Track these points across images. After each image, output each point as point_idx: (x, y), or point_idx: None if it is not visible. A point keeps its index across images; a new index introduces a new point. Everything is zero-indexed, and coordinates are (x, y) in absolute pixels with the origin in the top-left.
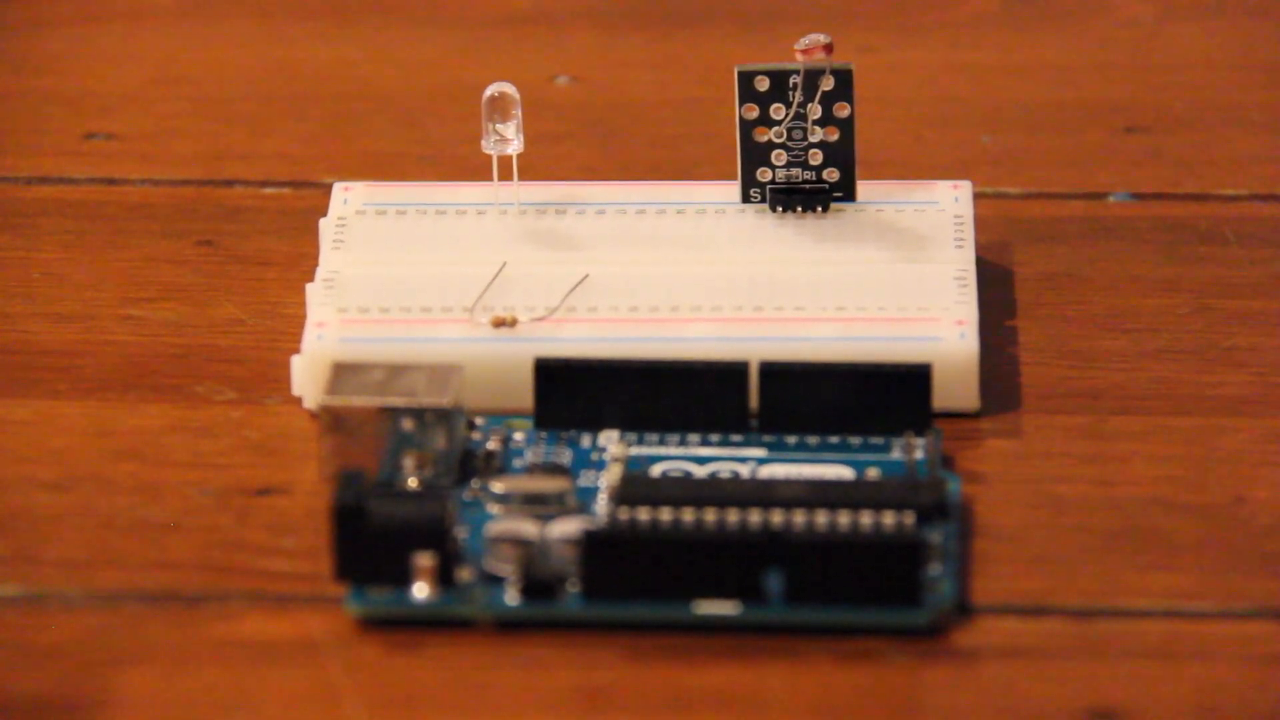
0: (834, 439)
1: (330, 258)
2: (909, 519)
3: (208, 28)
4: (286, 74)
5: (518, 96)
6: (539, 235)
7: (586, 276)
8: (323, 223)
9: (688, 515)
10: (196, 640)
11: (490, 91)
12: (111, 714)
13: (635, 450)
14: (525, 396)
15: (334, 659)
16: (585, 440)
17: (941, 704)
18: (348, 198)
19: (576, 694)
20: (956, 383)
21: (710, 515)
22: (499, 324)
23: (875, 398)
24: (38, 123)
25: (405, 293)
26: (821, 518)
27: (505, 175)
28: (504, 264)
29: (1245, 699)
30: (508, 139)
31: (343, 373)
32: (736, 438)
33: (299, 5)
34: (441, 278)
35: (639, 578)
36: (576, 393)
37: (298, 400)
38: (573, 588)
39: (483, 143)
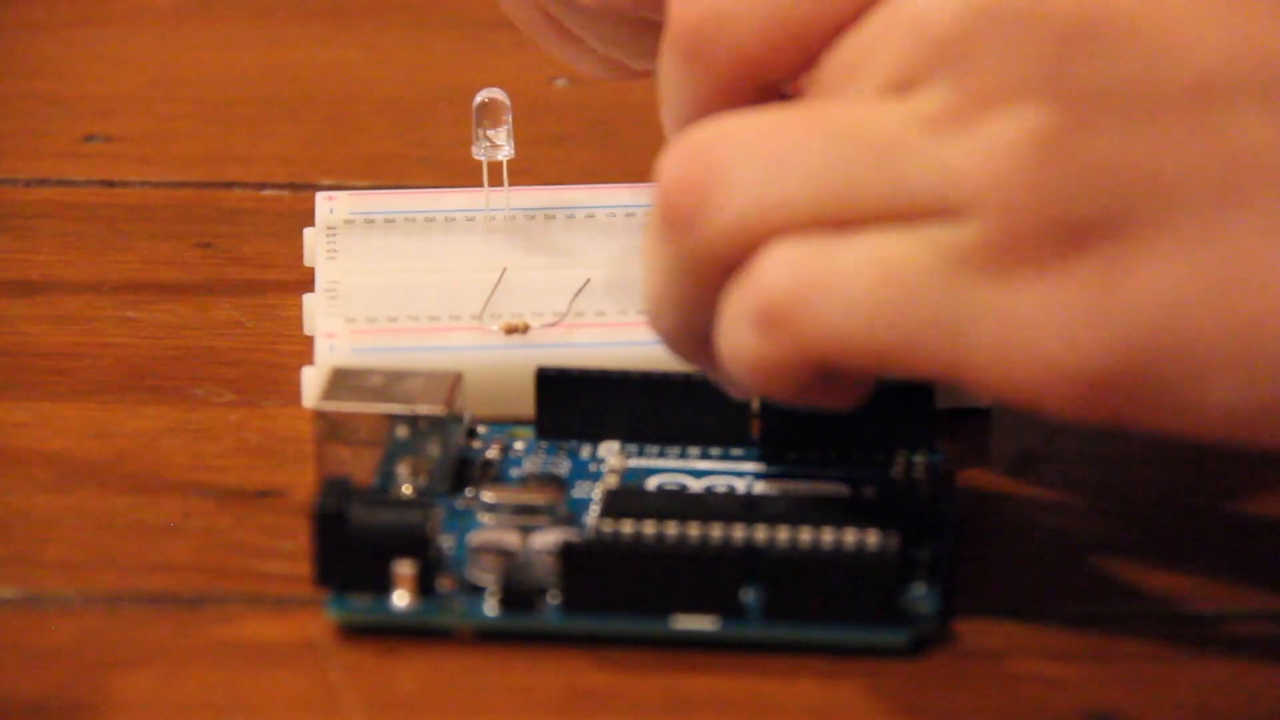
0: (834, 454)
1: (326, 268)
2: (893, 538)
3: (206, 30)
4: (285, 76)
5: (508, 103)
6: (532, 240)
7: (589, 281)
8: (309, 233)
9: (671, 529)
10: (195, 642)
11: (480, 98)
12: (110, 716)
13: (634, 462)
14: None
15: (334, 662)
16: (585, 451)
17: (940, 706)
18: (333, 207)
19: (568, 697)
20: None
21: (694, 530)
22: (511, 331)
23: (878, 413)
24: (36, 125)
25: (410, 301)
26: (805, 534)
27: (495, 180)
28: (504, 270)
29: (1245, 700)
30: (498, 145)
31: (340, 378)
32: (737, 451)
33: (297, 8)
34: (443, 285)
35: (618, 591)
36: (578, 403)
37: (296, 402)
38: (553, 599)
39: (473, 149)
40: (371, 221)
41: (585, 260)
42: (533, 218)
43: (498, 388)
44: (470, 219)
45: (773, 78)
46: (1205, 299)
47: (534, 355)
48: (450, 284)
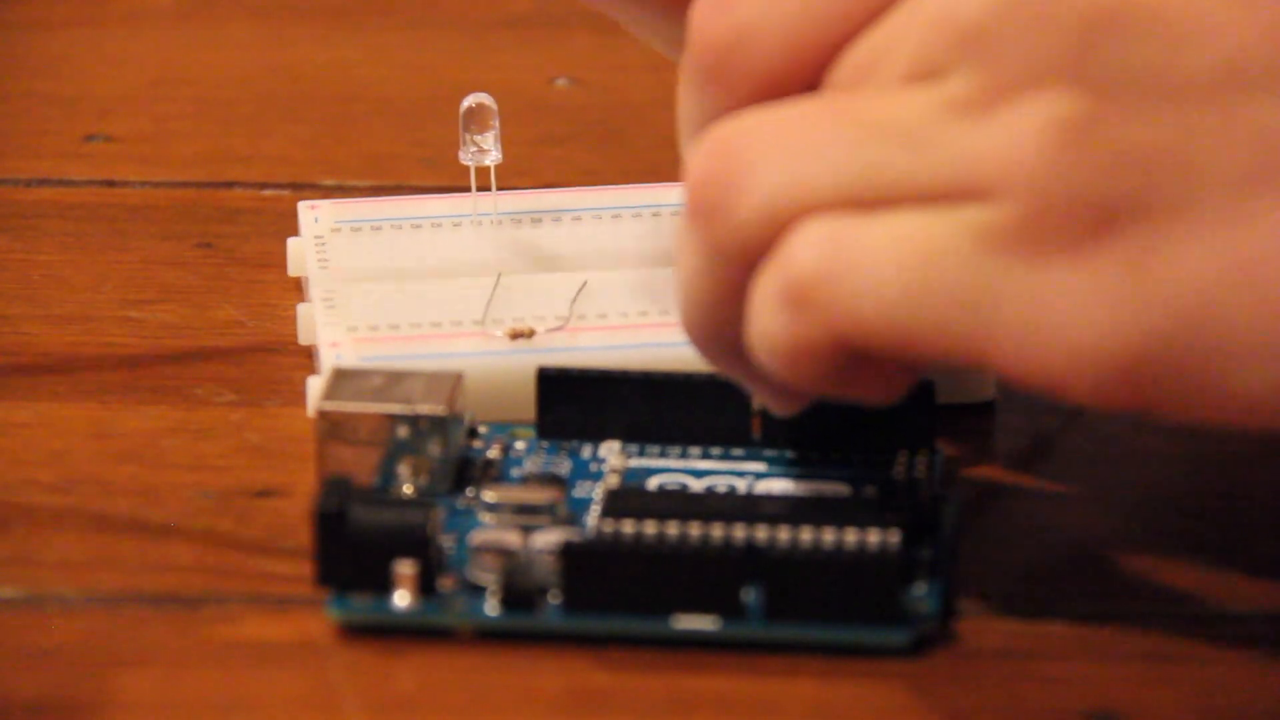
0: (835, 454)
1: (320, 277)
2: (894, 537)
3: (207, 30)
4: (286, 76)
5: (495, 108)
6: (522, 244)
7: (586, 283)
8: (293, 242)
9: (672, 529)
10: (195, 642)
11: (468, 103)
12: (110, 716)
13: (635, 462)
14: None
15: (334, 662)
16: (586, 451)
17: (941, 706)
18: (317, 215)
19: (569, 697)
20: (971, 372)
21: (694, 529)
22: (516, 336)
23: (879, 412)
24: (37, 125)
25: (409, 308)
26: (806, 534)
27: (484, 184)
28: (500, 275)
29: (1245, 699)
30: (485, 150)
31: (341, 378)
32: (738, 451)
33: (298, 7)
34: (439, 291)
35: (619, 591)
36: (579, 403)
37: (297, 402)
38: (554, 599)
39: (460, 154)
40: (358, 229)
41: (576, 263)
42: (519, 222)
43: (505, 393)
44: (456, 224)
45: (793, 90)
46: (1232, 283)
47: (541, 360)
48: (446, 290)
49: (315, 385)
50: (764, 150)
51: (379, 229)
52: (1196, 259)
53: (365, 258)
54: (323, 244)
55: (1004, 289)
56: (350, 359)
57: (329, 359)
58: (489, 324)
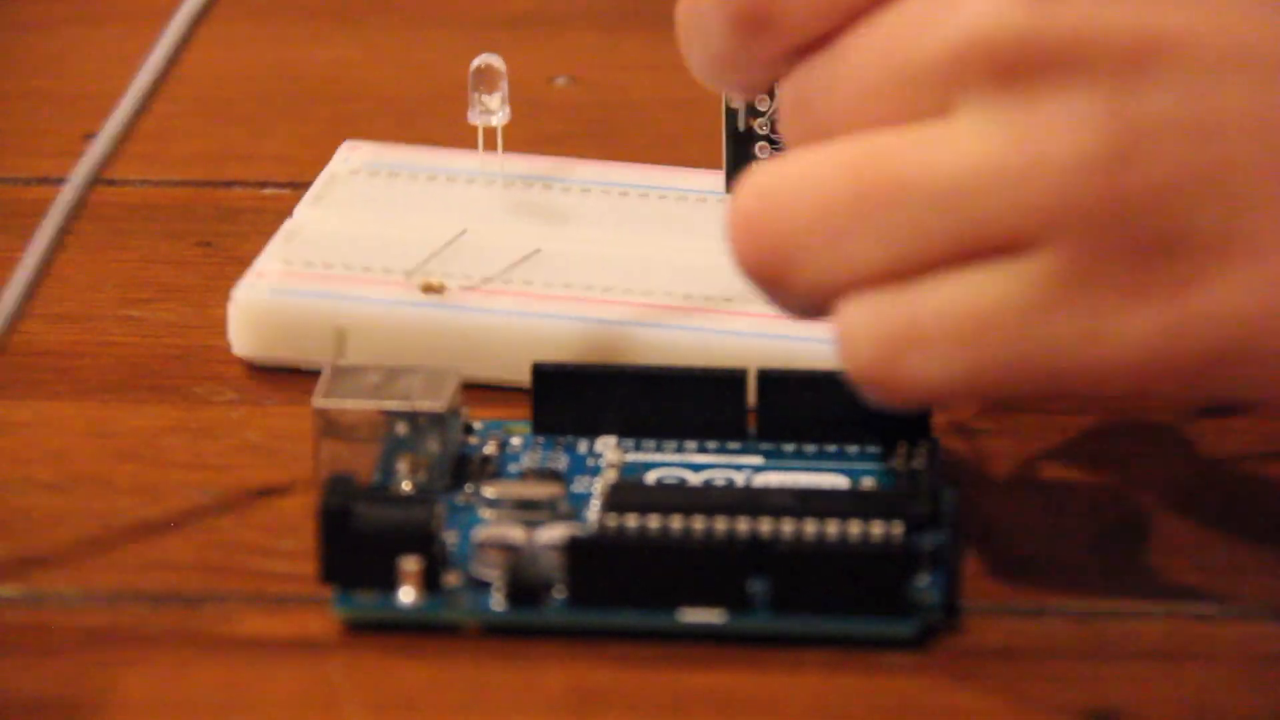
0: (831, 447)
1: (304, 210)
2: (898, 528)
3: (207, 29)
4: (286, 75)
5: (503, 69)
6: (517, 207)
7: (538, 250)
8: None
9: (675, 522)
10: (196, 641)
11: (477, 63)
12: (111, 715)
13: (632, 456)
14: (446, 362)
15: (339, 659)
16: (582, 446)
17: (942, 704)
18: (350, 156)
19: (574, 693)
20: None
21: (698, 523)
22: (428, 290)
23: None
24: (37, 124)
25: (356, 251)
26: (809, 526)
27: (490, 145)
28: (463, 230)
29: (1245, 699)
30: (492, 110)
31: (339, 375)
32: (734, 445)
33: (299, 6)
34: (400, 241)
35: (624, 584)
36: (574, 398)
37: (298, 401)
38: (559, 594)
39: (469, 114)
40: (375, 174)
41: (561, 232)
42: (530, 185)
43: (399, 343)
44: (470, 181)
45: (825, 40)
46: (1275, 310)
47: (441, 316)
48: (408, 240)
49: (231, 311)
50: (803, 231)
51: (395, 175)
52: (1239, 288)
53: (359, 200)
54: (331, 181)
55: (1062, 334)
56: (262, 291)
57: (244, 287)
58: (415, 276)
